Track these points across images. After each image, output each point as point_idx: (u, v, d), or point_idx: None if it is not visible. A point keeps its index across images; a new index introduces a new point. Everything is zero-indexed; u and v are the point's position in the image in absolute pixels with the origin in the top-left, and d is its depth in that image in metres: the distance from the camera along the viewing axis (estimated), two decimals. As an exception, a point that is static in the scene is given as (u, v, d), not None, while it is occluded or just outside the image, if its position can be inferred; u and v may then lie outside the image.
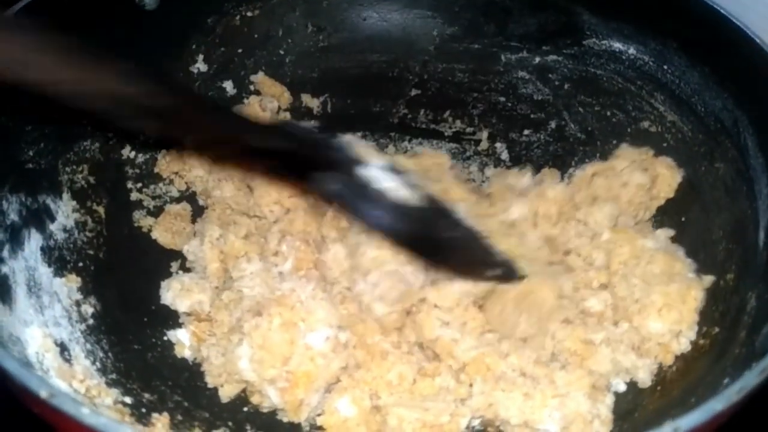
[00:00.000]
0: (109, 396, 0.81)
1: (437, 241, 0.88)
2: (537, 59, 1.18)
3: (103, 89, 0.64)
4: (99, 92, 0.64)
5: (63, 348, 0.83)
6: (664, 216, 1.04)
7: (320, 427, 0.86)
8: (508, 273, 0.92)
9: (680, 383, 0.85)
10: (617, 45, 1.11)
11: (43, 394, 0.58)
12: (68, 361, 0.82)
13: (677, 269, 0.95)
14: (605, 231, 0.99)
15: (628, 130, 1.11)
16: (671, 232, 1.02)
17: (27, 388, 0.59)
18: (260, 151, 0.83)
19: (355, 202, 0.85)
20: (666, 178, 1.03)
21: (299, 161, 0.83)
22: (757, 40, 0.93)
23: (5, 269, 0.83)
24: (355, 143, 0.87)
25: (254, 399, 0.89)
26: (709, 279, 0.93)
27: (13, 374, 0.60)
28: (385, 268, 0.91)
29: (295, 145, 0.83)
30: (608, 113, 1.13)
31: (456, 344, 0.88)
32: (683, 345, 0.89)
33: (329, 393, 0.87)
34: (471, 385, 0.87)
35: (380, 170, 0.84)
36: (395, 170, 0.86)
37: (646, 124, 1.09)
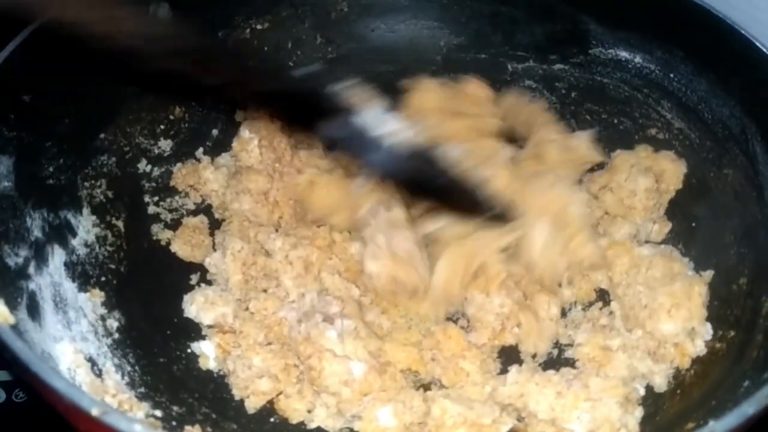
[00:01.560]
0: (141, 410, 0.82)
1: (433, 181, 0.94)
2: (544, 68, 1.20)
3: (132, 29, 0.71)
4: (129, 31, 0.71)
5: (93, 363, 0.84)
6: (674, 220, 1.07)
7: (354, 433, 0.87)
8: (503, 212, 0.98)
9: (699, 387, 0.87)
10: (623, 54, 1.13)
11: (95, 411, 0.59)
12: (99, 375, 0.83)
13: (677, 269, 0.97)
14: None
15: (636, 137, 1.13)
16: (669, 225, 1.05)
17: (78, 406, 0.60)
18: (264, 96, 0.89)
19: (355, 148, 0.90)
20: (671, 170, 1.06)
21: (300, 107, 0.88)
22: (764, 49, 0.96)
23: (32, 286, 0.84)
24: (355, 89, 0.90)
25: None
26: (708, 274, 0.96)
27: (62, 393, 0.61)
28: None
29: (295, 89, 0.87)
30: (615, 121, 1.16)
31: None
32: (699, 348, 0.91)
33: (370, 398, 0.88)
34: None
35: (377, 115, 0.87)
36: (392, 114, 0.90)
37: (653, 131, 1.11)
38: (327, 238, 1.02)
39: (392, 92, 1.23)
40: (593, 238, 1.00)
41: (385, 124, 0.87)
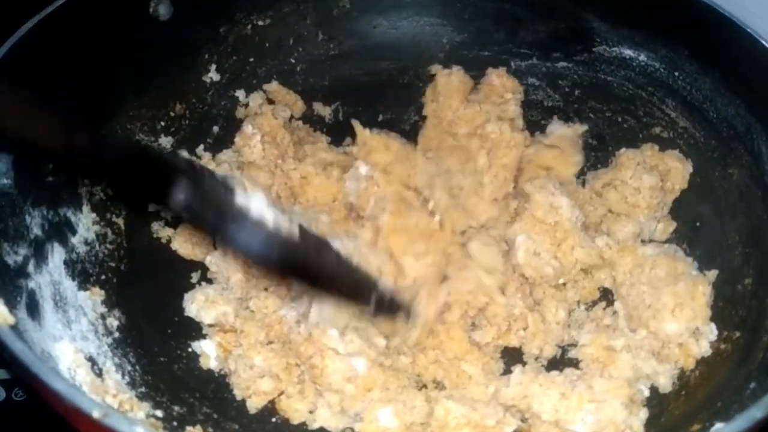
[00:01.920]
0: (142, 410, 0.81)
1: (315, 269, 0.86)
2: (547, 66, 1.19)
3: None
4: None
5: (93, 362, 0.83)
6: (678, 219, 1.06)
7: (356, 434, 0.87)
8: (393, 304, 0.93)
9: (704, 388, 0.86)
10: (628, 52, 1.12)
11: (96, 414, 0.58)
12: (99, 375, 0.82)
13: (680, 269, 0.97)
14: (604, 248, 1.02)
15: (640, 135, 1.12)
16: (673, 224, 1.05)
17: (79, 408, 0.59)
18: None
19: (215, 220, 0.80)
20: (678, 170, 1.06)
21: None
22: (769, 47, 0.95)
23: (32, 284, 0.83)
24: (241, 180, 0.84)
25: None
26: (713, 274, 0.95)
27: (63, 395, 0.60)
28: None
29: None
30: (619, 119, 1.15)
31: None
32: (703, 348, 0.91)
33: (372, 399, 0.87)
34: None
35: (259, 201, 0.82)
36: (275, 205, 0.83)
37: (657, 129, 1.11)
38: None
39: (394, 89, 1.24)
40: (584, 240, 0.99)
41: (265, 213, 0.80)
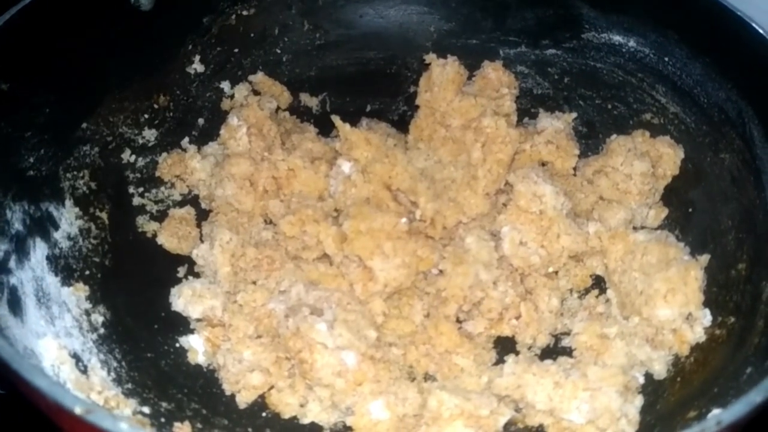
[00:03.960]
0: (128, 407, 0.79)
1: None
2: (536, 53, 1.18)
3: None
4: None
5: (77, 359, 0.81)
6: (670, 206, 1.05)
7: (349, 428, 0.85)
8: None
9: (700, 374, 0.85)
10: (617, 38, 1.11)
11: (78, 410, 0.56)
12: (84, 372, 0.80)
13: (672, 254, 0.95)
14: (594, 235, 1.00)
15: (630, 122, 1.11)
16: (665, 211, 1.04)
17: (60, 405, 0.57)
18: None
19: None
20: (669, 156, 1.05)
21: None
22: (761, 31, 0.94)
23: (13, 280, 0.81)
24: None
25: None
26: (705, 258, 0.95)
27: (45, 391, 0.58)
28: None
29: None
30: (609, 106, 1.14)
31: None
32: (698, 334, 0.90)
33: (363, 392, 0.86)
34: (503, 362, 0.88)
35: None
36: None
37: (648, 116, 1.10)
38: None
39: (382, 79, 1.22)
40: (570, 226, 0.98)
41: None
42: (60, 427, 0.64)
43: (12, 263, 0.83)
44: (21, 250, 0.85)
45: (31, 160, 0.91)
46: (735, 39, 0.97)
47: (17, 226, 0.86)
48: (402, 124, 1.19)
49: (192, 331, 0.94)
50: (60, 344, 0.80)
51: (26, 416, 0.97)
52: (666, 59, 1.07)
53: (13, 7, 0.91)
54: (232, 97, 1.16)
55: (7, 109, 0.89)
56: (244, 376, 0.88)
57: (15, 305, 0.79)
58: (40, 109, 0.94)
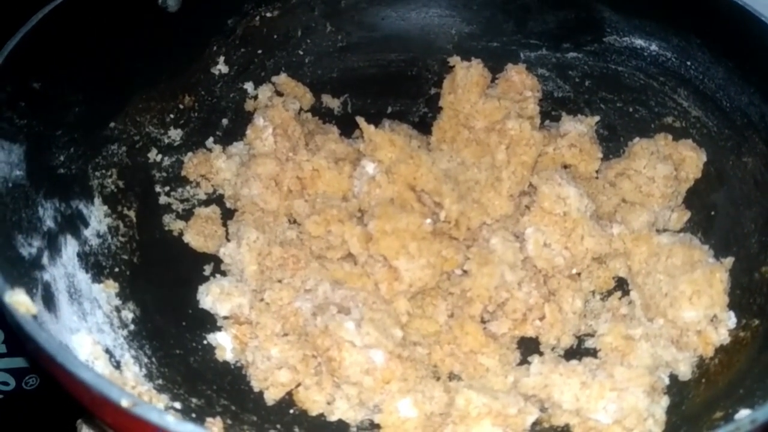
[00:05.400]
0: (161, 402, 0.80)
1: None
2: (557, 56, 1.19)
3: None
4: None
5: (110, 355, 0.82)
6: (692, 209, 1.06)
7: (377, 426, 0.86)
8: None
9: (725, 375, 0.86)
10: (639, 41, 1.12)
11: (125, 403, 0.57)
12: (118, 367, 0.81)
13: (697, 257, 0.96)
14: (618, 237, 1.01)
15: (652, 125, 1.12)
16: (687, 214, 1.05)
17: (107, 398, 0.58)
18: None
19: None
20: (692, 159, 1.05)
21: None
22: (784, 36, 0.95)
23: (47, 276, 0.82)
24: None
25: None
26: (729, 261, 0.95)
27: (90, 385, 0.59)
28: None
29: None
30: (630, 109, 1.15)
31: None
32: (722, 336, 0.90)
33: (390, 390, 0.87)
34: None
35: None
36: None
37: (669, 119, 1.10)
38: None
39: (403, 81, 1.23)
40: (594, 228, 0.99)
41: None
42: (102, 420, 0.65)
43: (45, 259, 0.83)
44: (53, 246, 0.86)
45: (62, 158, 0.92)
46: (758, 43, 0.98)
47: (49, 223, 0.87)
48: (423, 126, 1.20)
49: (219, 329, 0.95)
50: (94, 339, 0.81)
51: (26, 416, 0.98)
52: (688, 63, 1.08)
53: (45, 7, 0.92)
54: (255, 97, 1.17)
55: (38, 107, 0.89)
56: (272, 374, 0.89)
57: (49, 301, 0.80)
58: (70, 108, 0.95)
